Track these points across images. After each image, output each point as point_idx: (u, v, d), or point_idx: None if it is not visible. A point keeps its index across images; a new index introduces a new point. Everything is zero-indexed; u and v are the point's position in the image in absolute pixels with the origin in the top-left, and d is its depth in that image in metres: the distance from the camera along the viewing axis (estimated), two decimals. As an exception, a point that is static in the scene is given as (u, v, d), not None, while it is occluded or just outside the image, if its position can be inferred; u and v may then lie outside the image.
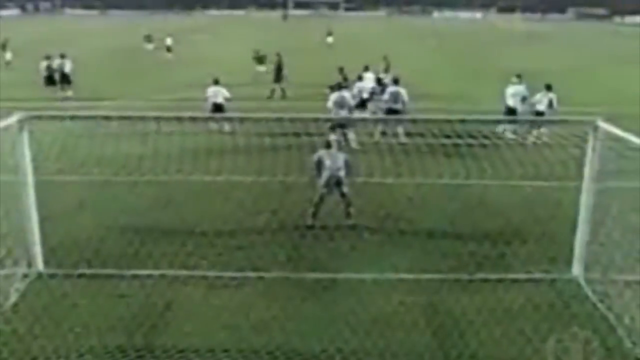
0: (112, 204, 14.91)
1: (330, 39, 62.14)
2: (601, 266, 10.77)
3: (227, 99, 22.86)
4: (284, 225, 13.51)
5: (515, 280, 11.30)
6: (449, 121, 13.15)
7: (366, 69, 26.12)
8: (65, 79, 30.93)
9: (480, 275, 11.46)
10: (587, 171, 11.33)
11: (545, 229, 13.24)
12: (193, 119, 13.77)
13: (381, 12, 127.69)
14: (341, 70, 26.30)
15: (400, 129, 21.08)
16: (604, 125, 10.85)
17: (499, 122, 20.48)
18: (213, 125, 20.66)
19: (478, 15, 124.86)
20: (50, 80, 31.28)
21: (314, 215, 13.70)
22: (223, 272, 11.40)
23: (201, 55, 50.08)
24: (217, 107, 22.52)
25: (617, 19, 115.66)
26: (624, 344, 9.32)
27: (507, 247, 12.50)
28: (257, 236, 12.98)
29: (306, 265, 11.75)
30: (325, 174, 13.62)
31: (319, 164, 13.70)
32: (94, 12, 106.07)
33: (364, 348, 9.19)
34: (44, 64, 31.65)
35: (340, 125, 18.33)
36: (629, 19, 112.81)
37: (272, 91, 30.36)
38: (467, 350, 9.16)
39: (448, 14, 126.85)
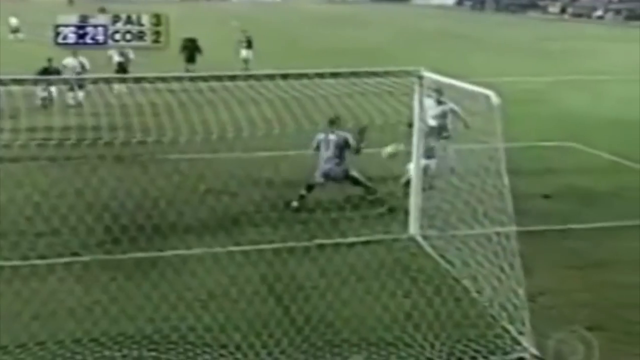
0: None
1: None
2: (439, 223, 11.19)
3: None
4: (92, 207, 12.57)
5: (354, 244, 11.48)
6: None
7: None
8: None
9: (317, 241, 11.50)
10: (415, 124, 11.75)
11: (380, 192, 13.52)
12: None
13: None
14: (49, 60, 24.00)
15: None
16: (429, 74, 11.31)
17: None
18: None
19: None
20: None
21: (302, 197, 13.24)
22: (22, 262, 10.44)
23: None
24: None
25: (416, 0, 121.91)
26: (470, 293, 9.72)
27: (340, 213, 12.64)
28: (61, 221, 11.95)
29: (123, 246, 10.98)
30: (320, 168, 13.33)
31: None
32: None
33: (203, 323, 8.75)
34: None
35: None
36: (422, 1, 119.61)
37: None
38: (315, 313, 9.07)
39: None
